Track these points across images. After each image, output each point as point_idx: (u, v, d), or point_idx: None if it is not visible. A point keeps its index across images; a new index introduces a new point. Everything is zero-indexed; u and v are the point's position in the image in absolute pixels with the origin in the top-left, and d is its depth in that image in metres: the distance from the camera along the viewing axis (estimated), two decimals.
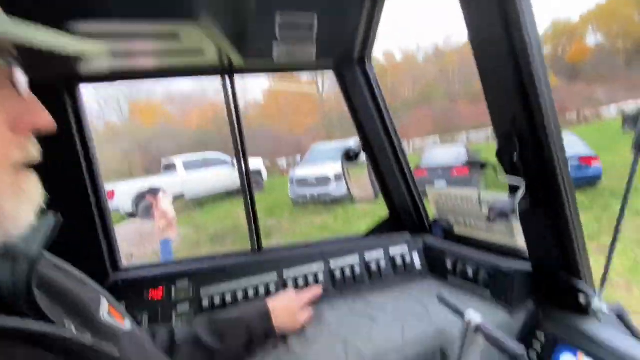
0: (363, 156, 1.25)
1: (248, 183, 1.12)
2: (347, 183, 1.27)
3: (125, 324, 0.42)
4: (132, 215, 7.77)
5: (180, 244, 6.03)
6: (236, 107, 1.08)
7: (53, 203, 0.92)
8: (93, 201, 0.98)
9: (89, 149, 0.98)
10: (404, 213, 1.20)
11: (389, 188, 1.20)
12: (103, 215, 1.00)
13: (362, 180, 1.33)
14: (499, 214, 0.69)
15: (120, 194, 7.73)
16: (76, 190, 0.95)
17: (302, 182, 7.70)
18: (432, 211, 1.19)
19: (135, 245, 5.76)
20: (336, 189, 7.38)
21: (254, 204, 1.13)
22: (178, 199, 8.71)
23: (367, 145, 1.20)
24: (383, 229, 1.21)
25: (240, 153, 1.10)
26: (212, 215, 8.17)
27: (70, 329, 0.33)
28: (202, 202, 9.33)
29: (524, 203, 0.70)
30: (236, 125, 1.10)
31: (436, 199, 1.13)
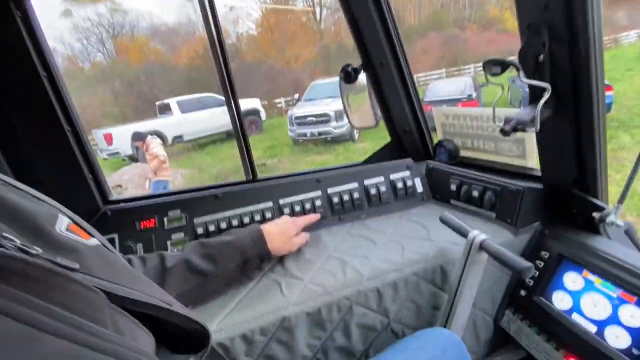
0: (364, 78, 1.12)
1: (236, 108, 1.02)
2: (345, 110, 1.17)
3: (92, 240, 0.37)
4: (133, 158, 7.76)
5: (185, 184, 6.11)
6: (215, 18, 0.92)
7: (25, 141, 0.82)
8: (68, 131, 0.89)
9: (52, 71, 0.85)
10: (407, 138, 1.12)
11: (392, 110, 1.10)
12: (82, 146, 0.93)
13: (362, 105, 1.23)
14: (515, 126, 0.61)
15: (118, 136, 7.60)
16: (46, 119, 0.86)
17: (302, 120, 7.48)
18: (437, 137, 1.10)
19: (140, 187, 5.86)
20: (337, 127, 7.20)
21: (245, 132, 1.06)
22: (177, 140, 8.60)
23: (368, 62, 1.07)
24: (384, 156, 1.14)
25: (224, 73, 0.98)
26: (214, 156, 8.14)
27: (11, 242, 0.27)
28: (202, 143, 9.23)
29: (547, 111, 0.61)
30: (217, 44, 0.95)
31: (442, 120, 1.04)
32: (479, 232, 0.67)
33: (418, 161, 1.07)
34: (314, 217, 0.88)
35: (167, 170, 4.12)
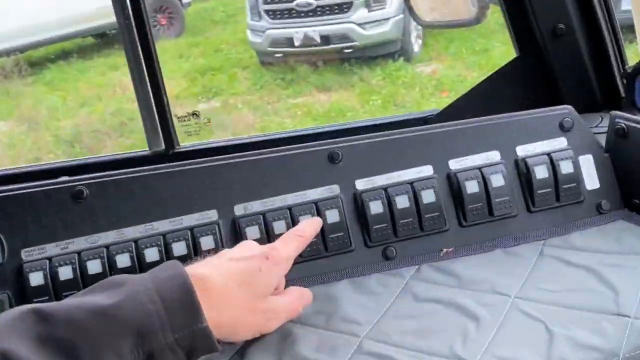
0: None
1: None
2: None
3: None
4: None
5: None
6: None
7: None
8: None
9: None
10: (561, 53, 1.15)
11: None
12: None
13: None
14: None
15: None
16: None
17: (282, 6, 7.68)
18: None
19: None
20: (368, 23, 7.36)
21: (148, 30, 1.12)
22: None
23: None
24: (497, 96, 1.19)
25: None
26: (67, 89, 8.23)
27: None
28: (39, 58, 9.34)
29: None
30: None
31: None
32: None
33: (587, 112, 1.10)
34: (310, 228, 0.93)
35: None
